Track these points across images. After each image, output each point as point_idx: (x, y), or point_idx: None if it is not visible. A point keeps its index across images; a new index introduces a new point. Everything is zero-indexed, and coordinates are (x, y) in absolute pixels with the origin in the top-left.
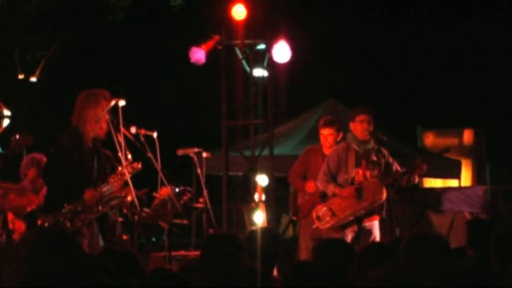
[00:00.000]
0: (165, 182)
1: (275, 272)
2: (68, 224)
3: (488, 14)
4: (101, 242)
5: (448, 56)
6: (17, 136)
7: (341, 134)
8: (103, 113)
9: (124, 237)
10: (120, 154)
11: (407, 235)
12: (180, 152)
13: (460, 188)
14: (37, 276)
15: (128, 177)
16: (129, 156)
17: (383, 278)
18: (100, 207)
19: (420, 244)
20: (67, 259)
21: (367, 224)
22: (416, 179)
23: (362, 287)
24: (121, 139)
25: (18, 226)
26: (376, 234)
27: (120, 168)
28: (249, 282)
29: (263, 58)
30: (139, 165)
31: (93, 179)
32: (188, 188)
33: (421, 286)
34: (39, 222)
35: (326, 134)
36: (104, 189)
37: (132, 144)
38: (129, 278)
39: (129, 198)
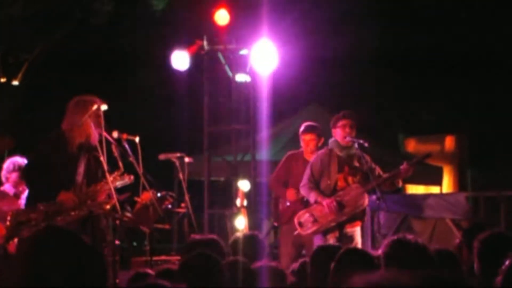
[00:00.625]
0: (147, 186)
1: None
2: (42, 224)
3: (470, 19)
4: None
5: (430, 62)
6: None
7: (322, 140)
8: (85, 117)
9: (117, 241)
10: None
11: (387, 241)
12: (162, 156)
13: (441, 194)
14: (38, 277)
15: (112, 187)
16: (121, 166)
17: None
18: (77, 211)
19: (400, 250)
20: (72, 258)
21: (349, 230)
22: (400, 183)
23: None
24: (115, 150)
25: (0, 230)
26: (358, 240)
27: (108, 177)
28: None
29: (246, 64)
30: (131, 177)
31: (76, 183)
32: (170, 193)
33: None
34: (8, 217)
35: (308, 139)
36: (88, 194)
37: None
38: None
39: (107, 206)
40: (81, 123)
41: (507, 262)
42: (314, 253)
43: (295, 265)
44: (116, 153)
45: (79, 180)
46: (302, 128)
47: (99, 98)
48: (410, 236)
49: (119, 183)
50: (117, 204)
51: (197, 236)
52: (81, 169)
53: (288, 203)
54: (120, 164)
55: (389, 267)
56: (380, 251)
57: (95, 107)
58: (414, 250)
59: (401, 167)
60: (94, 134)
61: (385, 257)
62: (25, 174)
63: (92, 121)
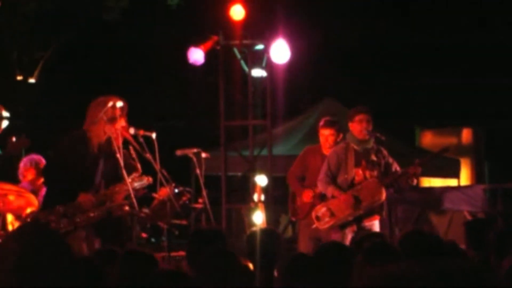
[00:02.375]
0: (164, 182)
1: (275, 273)
2: (61, 225)
3: (486, 13)
4: (97, 245)
5: (446, 55)
6: (13, 139)
7: (341, 135)
8: (100, 115)
9: (143, 235)
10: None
11: (402, 233)
12: (179, 152)
13: (459, 187)
14: (22, 276)
15: (130, 188)
16: (139, 167)
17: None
18: (96, 213)
19: (414, 241)
20: (52, 256)
21: (367, 224)
22: (415, 181)
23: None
24: (133, 152)
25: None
26: None
27: (126, 179)
28: (246, 281)
29: (261, 58)
30: (150, 179)
31: (94, 184)
32: (187, 189)
33: (417, 285)
34: (24, 215)
35: (327, 134)
36: (106, 195)
37: (131, 144)
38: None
39: (126, 208)
40: (96, 120)
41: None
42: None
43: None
44: (134, 154)
45: (98, 180)
46: (321, 123)
47: (113, 94)
48: (425, 228)
49: (137, 184)
50: (135, 201)
51: (202, 227)
52: (100, 169)
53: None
54: (139, 165)
55: (404, 258)
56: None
57: (110, 103)
58: (428, 241)
59: (408, 169)
60: (113, 136)
61: (400, 248)
62: (45, 173)
63: (107, 120)
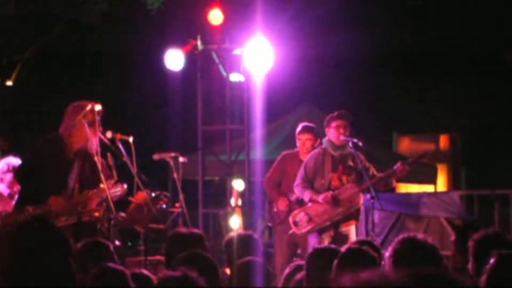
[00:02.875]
0: (141, 186)
1: None
2: None
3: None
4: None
5: (424, 61)
6: None
7: (318, 141)
8: (78, 118)
9: (117, 242)
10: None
11: (396, 240)
12: (156, 156)
13: (435, 193)
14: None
15: (108, 193)
16: (114, 175)
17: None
18: (68, 218)
19: (409, 249)
20: (49, 250)
21: (344, 229)
22: (394, 183)
23: None
24: (110, 159)
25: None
26: (353, 239)
27: (101, 185)
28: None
29: (239, 63)
30: (124, 187)
31: (67, 188)
32: (164, 193)
33: None
34: None
35: (304, 139)
36: (79, 200)
37: (108, 149)
38: None
39: (97, 214)
40: (74, 124)
41: (491, 261)
42: (310, 256)
43: (288, 270)
44: (111, 161)
45: (71, 185)
46: (299, 128)
47: (91, 97)
48: (420, 235)
49: (112, 192)
50: (111, 204)
51: (181, 230)
52: (74, 174)
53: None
54: (114, 173)
55: (397, 266)
56: (389, 250)
57: (89, 107)
58: (423, 249)
59: (395, 167)
60: (92, 141)
61: (394, 256)
62: (17, 174)
63: (87, 124)
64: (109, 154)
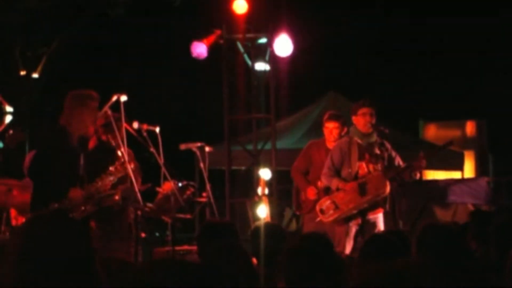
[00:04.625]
0: (168, 176)
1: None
2: None
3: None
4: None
5: (450, 48)
6: (11, 132)
7: (345, 129)
8: (92, 113)
9: (143, 234)
10: (120, 152)
11: (419, 227)
12: (182, 146)
13: (463, 180)
14: (30, 272)
15: (117, 177)
16: (120, 155)
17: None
18: (87, 206)
19: (434, 235)
20: (66, 248)
21: (371, 217)
22: (418, 175)
23: (362, 282)
24: (119, 139)
25: (21, 223)
26: (381, 227)
27: (111, 168)
28: (250, 274)
29: (265, 52)
30: (132, 165)
31: (79, 178)
32: (191, 183)
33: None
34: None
35: (331, 127)
36: (92, 188)
37: (135, 139)
38: None
39: (116, 197)
40: (76, 113)
41: None
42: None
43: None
44: (113, 143)
45: (82, 174)
46: (326, 116)
47: (117, 88)
48: (442, 222)
49: (120, 174)
50: (139, 195)
51: (213, 220)
52: (82, 163)
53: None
54: (119, 152)
55: (420, 252)
56: (413, 237)
57: (114, 98)
58: (446, 235)
59: (414, 163)
60: (90, 130)
61: (418, 242)
62: (30, 172)
63: (89, 114)
64: (109, 136)
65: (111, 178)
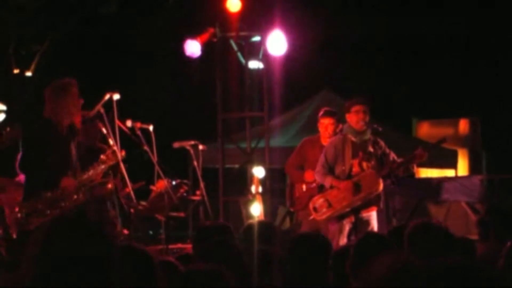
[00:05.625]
0: (162, 175)
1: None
2: (48, 212)
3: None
4: None
5: (443, 46)
6: (8, 130)
7: (340, 126)
8: (75, 99)
9: (125, 231)
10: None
11: (410, 225)
12: (176, 145)
13: (456, 178)
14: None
15: (108, 165)
16: (111, 143)
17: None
18: (80, 195)
19: (424, 233)
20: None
21: (364, 215)
22: (414, 168)
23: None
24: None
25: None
26: (374, 225)
27: (102, 156)
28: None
29: (258, 50)
30: (122, 153)
31: (71, 167)
32: (185, 181)
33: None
34: (16, 209)
35: (327, 124)
36: (84, 177)
37: (128, 138)
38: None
39: (109, 186)
40: (63, 103)
41: (508, 244)
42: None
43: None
44: (104, 131)
45: (74, 163)
46: (321, 112)
47: (110, 87)
48: (434, 220)
49: (112, 162)
50: (132, 193)
51: (208, 222)
52: (73, 152)
53: (304, 188)
54: (110, 140)
55: (412, 250)
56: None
57: (107, 96)
58: (437, 233)
59: (416, 152)
60: (78, 118)
61: (409, 240)
62: (21, 166)
63: (73, 101)
64: (100, 123)
65: (103, 166)
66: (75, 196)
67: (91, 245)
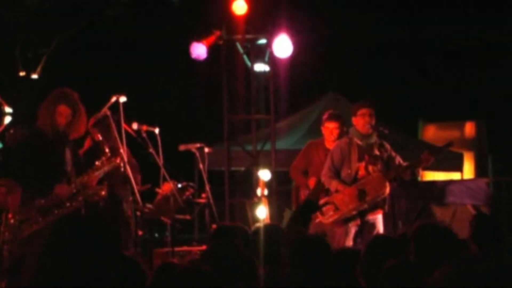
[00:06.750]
0: (167, 177)
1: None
2: (40, 219)
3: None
4: None
5: (449, 49)
6: (11, 131)
7: (345, 129)
8: (52, 107)
9: (140, 232)
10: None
11: (415, 226)
12: (182, 147)
13: (462, 180)
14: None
15: (103, 171)
16: (107, 150)
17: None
18: (73, 203)
19: (427, 234)
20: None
21: (370, 218)
22: (419, 172)
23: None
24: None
25: None
26: (380, 228)
27: (97, 163)
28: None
29: (264, 53)
30: (118, 160)
31: (65, 173)
32: (191, 183)
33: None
34: (10, 216)
35: (331, 127)
36: (79, 183)
37: (134, 140)
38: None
39: (103, 193)
40: (53, 110)
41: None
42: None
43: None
44: (98, 138)
45: (68, 169)
46: (325, 116)
47: (116, 89)
48: (437, 221)
49: (107, 168)
50: (138, 195)
51: (226, 223)
52: (68, 159)
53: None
54: (106, 148)
55: (418, 252)
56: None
57: (114, 98)
58: (441, 234)
59: (422, 156)
60: (82, 128)
61: (413, 241)
62: (14, 176)
63: (68, 107)
64: (95, 130)
65: (97, 173)
66: (68, 204)
67: (92, 243)
